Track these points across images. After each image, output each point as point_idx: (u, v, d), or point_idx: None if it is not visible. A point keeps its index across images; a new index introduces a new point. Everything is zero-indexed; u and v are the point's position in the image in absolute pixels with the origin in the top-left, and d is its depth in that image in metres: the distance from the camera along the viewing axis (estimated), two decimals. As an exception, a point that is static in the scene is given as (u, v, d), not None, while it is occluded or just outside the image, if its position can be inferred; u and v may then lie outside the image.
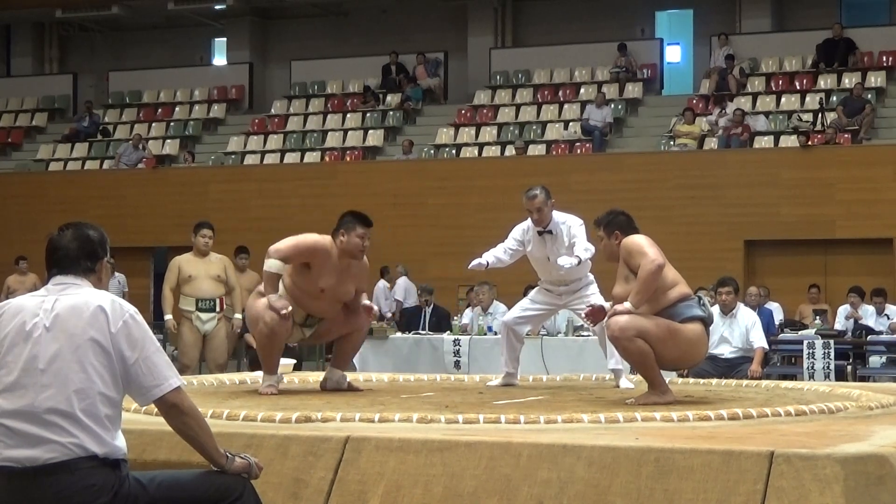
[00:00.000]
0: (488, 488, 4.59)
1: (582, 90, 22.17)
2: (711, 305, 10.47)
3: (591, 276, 8.09)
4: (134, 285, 19.41)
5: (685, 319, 6.51)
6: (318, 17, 25.25)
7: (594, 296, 7.91)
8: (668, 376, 7.31)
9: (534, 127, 21.66)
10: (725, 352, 10.98)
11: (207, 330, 11.25)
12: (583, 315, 7.64)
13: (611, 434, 4.98)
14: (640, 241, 6.62)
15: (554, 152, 20.66)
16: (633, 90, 22.00)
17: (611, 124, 21.00)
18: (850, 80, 20.50)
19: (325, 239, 7.22)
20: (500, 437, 4.81)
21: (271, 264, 7.16)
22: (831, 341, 13.27)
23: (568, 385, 8.02)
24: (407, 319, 15.60)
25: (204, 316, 11.21)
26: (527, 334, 8.72)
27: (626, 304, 6.43)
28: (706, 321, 6.64)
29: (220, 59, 26.55)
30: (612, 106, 21.40)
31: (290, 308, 7.15)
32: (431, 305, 15.39)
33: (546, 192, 8.01)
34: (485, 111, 22.27)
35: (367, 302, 7.45)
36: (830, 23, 21.51)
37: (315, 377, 8.25)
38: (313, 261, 7.19)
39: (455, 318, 14.74)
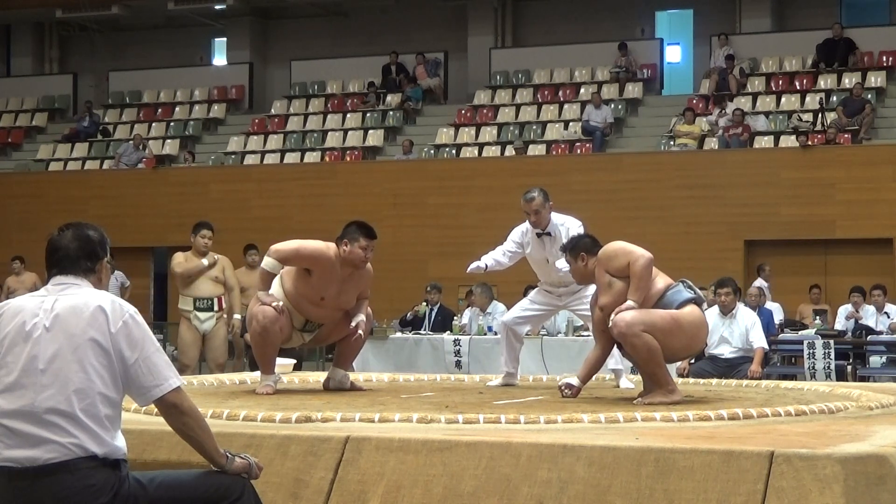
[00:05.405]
0: (488, 488, 4.59)
1: (582, 90, 22.16)
2: (710, 306, 10.52)
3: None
4: (134, 285, 19.39)
5: (680, 305, 6.55)
6: (318, 17, 25.24)
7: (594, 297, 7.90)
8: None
9: (534, 127, 21.65)
10: (725, 352, 10.98)
11: (206, 329, 11.26)
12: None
13: (611, 434, 4.97)
14: (620, 244, 6.75)
15: (554, 152, 20.64)
16: (633, 90, 21.99)
17: (611, 124, 20.99)
18: (850, 80, 20.49)
19: (329, 249, 7.13)
20: (500, 437, 4.81)
21: (267, 262, 7.15)
22: (831, 341, 13.26)
23: (568, 385, 8.01)
24: (412, 317, 15.49)
25: (202, 315, 11.22)
26: (527, 334, 8.72)
27: (629, 302, 6.46)
28: (698, 301, 6.68)
29: (220, 59, 26.54)
30: (612, 106, 21.39)
31: (280, 302, 7.14)
32: (438, 304, 15.28)
33: (544, 194, 7.99)
34: (485, 111, 22.26)
35: (356, 319, 7.30)
36: (830, 23, 21.51)
37: (315, 377, 8.25)
38: (315, 269, 7.14)
39: (456, 317, 14.72)
